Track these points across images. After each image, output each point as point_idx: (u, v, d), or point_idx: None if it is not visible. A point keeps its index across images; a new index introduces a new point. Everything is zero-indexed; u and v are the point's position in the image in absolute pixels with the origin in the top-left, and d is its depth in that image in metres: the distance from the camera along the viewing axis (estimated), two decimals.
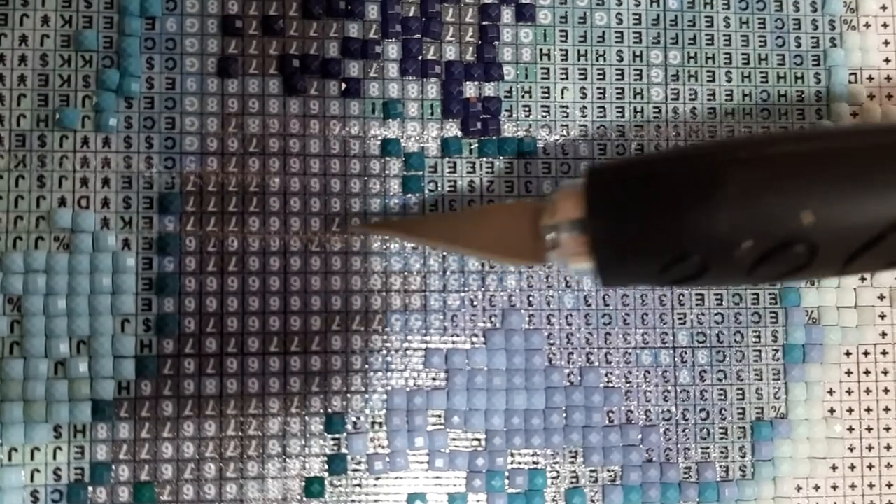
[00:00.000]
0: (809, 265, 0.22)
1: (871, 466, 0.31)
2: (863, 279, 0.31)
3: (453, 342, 0.29)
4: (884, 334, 0.31)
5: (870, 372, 0.31)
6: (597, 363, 0.30)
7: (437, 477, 0.29)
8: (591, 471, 0.30)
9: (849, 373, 0.31)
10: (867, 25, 0.32)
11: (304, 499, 0.28)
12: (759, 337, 0.31)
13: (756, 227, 0.22)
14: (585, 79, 0.31)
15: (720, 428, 0.30)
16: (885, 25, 0.32)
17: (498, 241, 0.26)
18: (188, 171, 0.28)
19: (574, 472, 0.29)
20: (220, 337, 0.28)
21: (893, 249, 0.22)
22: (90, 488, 0.27)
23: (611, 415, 0.30)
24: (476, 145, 0.30)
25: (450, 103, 0.30)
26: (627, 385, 0.30)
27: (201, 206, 0.28)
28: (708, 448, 0.30)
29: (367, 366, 0.29)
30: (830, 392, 0.31)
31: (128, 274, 0.28)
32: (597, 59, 0.31)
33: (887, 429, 0.31)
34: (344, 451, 0.28)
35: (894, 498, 0.31)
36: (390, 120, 0.30)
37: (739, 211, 0.22)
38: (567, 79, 0.31)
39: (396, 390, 0.29)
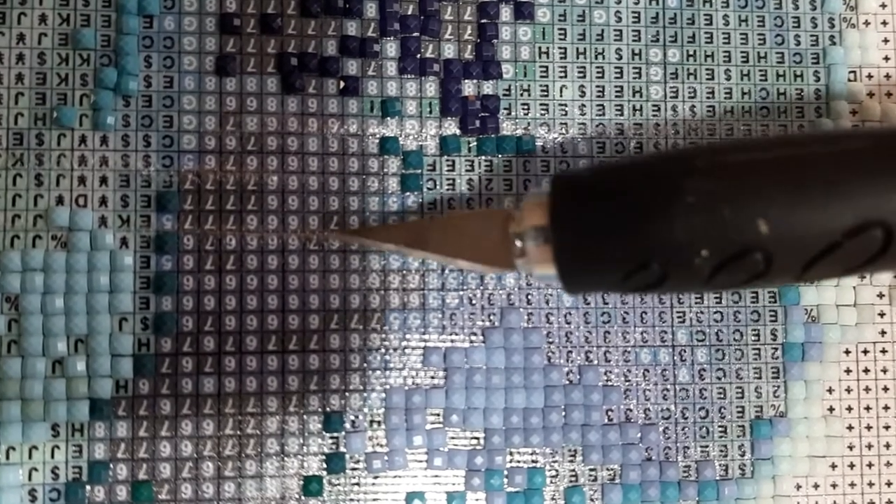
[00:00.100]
0: (767, 273, 0.22)
1: (870, 465, 0.31)
2: (862, 277, 0.31)
3: (452, 341, 0.29)
4: (883, 332, 0.31)
5: (869, 370, 0.31)
6: (596, 362, 0.30)
7: (436, 476, 0.29)
8: (591, 469, 0.29)
9: (848, 371, 0.31)
10: (866, 23, 0.32)
11: (303, 497, 0.28)
12: (758, 335, 0.30)
13: (713, 235, 0.22)
14: (584, 77, 0.31)
15: (719, 426, 0.30)
16: (884, 23, 0.32)
17: (469, 247, 0.26)
18: (186, 170, 0.28)
19: (573, 470, 0.29)
20: (218, 335, 0.28)
21: (851, 256, 0.22)
22: (88, 487, 0.27)
23: (610, 413, 0.30)
24: (475, 144, 0.30)
25: (448, 101, 0.30)
26: (626, 383, 0.30)
27: (199, 205, 0.28)
28: (707, 446, 0.30)
29: (365, 364, 0.29)
30: (830, 390, 0.31)
31: (125, 272, 0.28)
32: (595, 58, 0.31)
33: (887, 427, 0.31)
34: (342, 449, 0.28)
35: (893, 496, 0.31)
36: (389, 118, 0.30)
37: (697, 220, 0.22)
38: (566, 77, 0.31)
39: (395, 389, 0.29)
